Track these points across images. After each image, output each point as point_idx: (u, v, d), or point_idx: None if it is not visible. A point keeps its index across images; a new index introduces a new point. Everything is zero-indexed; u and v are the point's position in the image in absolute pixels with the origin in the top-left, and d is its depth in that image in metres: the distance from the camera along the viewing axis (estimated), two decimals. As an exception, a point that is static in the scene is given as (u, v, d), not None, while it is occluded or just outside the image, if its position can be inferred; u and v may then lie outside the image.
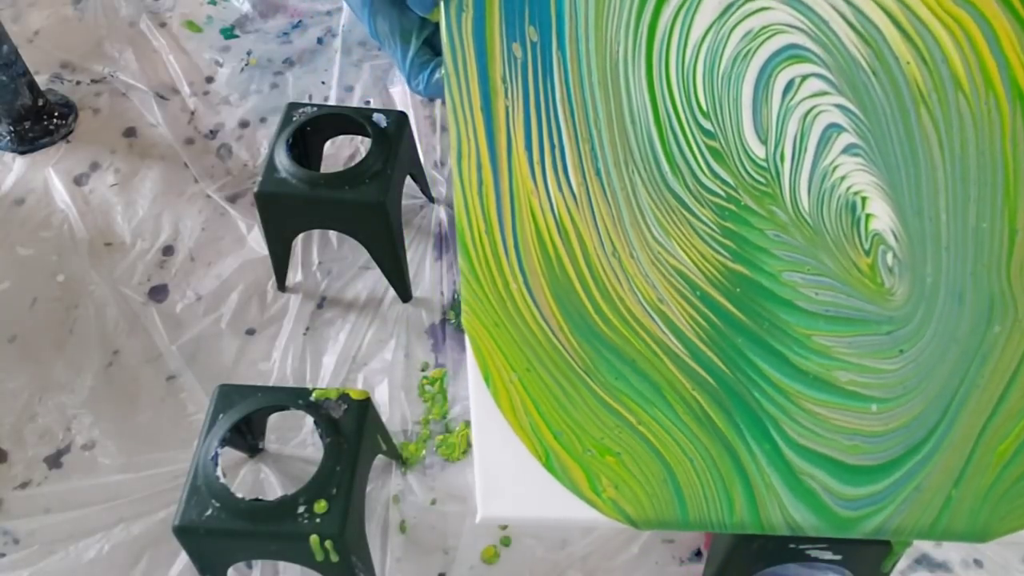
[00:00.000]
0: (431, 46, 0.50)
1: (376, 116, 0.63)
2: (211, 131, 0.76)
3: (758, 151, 0.41)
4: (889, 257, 0.39)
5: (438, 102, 0.79)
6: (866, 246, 0.40)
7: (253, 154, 0.75)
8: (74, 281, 0.66)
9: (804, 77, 0.40)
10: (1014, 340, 0.37)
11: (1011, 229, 0.38)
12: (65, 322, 0.64)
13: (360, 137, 0.71)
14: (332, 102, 0.79)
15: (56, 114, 0.75)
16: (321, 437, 0.47)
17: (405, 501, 0.56)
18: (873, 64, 0.39)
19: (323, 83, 0.81)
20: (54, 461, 0.57)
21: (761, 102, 0.41)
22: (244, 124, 0.77)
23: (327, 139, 0.68)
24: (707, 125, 0.41)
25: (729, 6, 0.41)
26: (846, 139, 0.40)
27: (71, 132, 0.75)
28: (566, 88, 0.43)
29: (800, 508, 0.41)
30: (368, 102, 0.79)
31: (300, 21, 0.86)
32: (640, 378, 0.42)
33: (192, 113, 0.78)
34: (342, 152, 0.75)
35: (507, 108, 0.43)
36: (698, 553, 0.54)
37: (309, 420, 0.57)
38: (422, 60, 0.51)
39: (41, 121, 0.74)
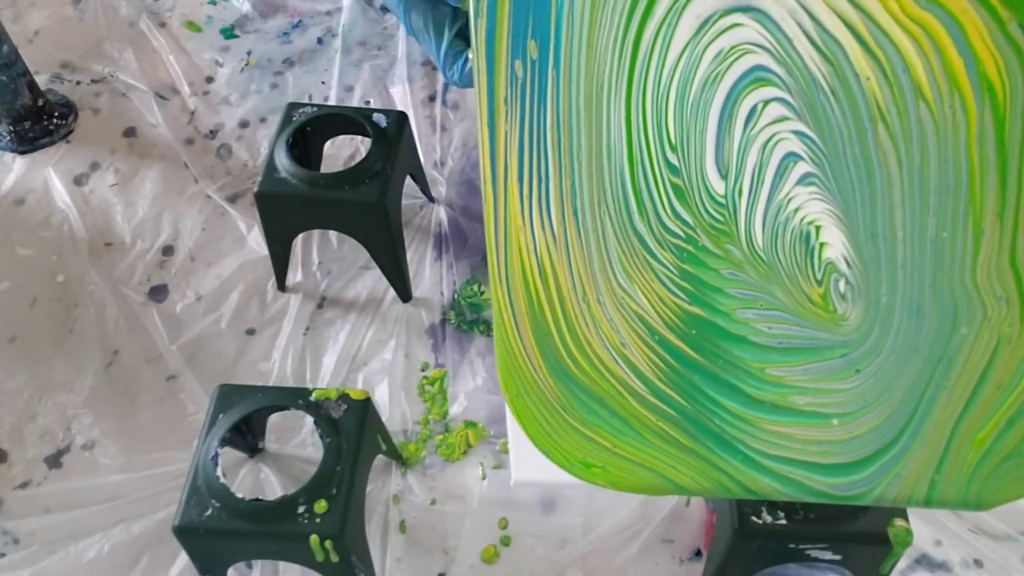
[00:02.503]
0: (463, 37, 0.51)
1: (376, 116, 0.63)
2: (211, 131, 0.76)
3: (718, 187, 0.42)
4: (842, 284, 0.40)
5: (438, 102, 0.79)
6: (818, 276, 0.40)
7: (253, 154, 0.75)
8: (74, 281, 0.66)
9: (766, 102, 0.40)
10: (983, 338, 0.38)
11: (976, 232, 0.37)
12: (65, 322, 0.64)
13: (360, 137, 0.71)
14: (332, 102, 0.79)
15: (56, 114, 0.75)
16: (321, 437, 0.47)
17: (405, 501, 0.56)
18: (833, 83, 0.39)
19: (323, 83, 0.81)
20: (54, 461, 0.57)
21: (725, 133, 0.42)
22: (244, 124, 0.77)
23: (327, 139, 0.68)
24: (674, 160, 0.42)
25: (704, 22, 0.41)
26: (802, 168, 0.40)
27: (71, 132, 0.75)
28: (556, 113, 0.44)
29: (791, 491, 0.43)
30: (368, 102, 0.79)
31: (300, 21, 0.86)
32: (610, 413, 0.44)
33: (192, 113, 0.78)
34: (342, 152, 0.75)
35: (506, 133, 0.44)
36: (698, 553, 0.54)
37: (309, 420, 0.57)
38: (456, 51, 0.52)
39: (41, 121, 0.74)
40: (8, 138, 0.74)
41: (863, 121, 0.39)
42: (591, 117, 0.44)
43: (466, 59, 0.52)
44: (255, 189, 0.60)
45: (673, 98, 0.42)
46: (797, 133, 0.40)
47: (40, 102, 0.74)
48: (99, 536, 0.54)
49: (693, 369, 0.43)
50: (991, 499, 0.38)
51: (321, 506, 0.44)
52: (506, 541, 0.54)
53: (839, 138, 0.39)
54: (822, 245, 0.40)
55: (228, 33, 0.84)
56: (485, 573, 0.53)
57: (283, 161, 0.60)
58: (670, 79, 0.42)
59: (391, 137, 0.61)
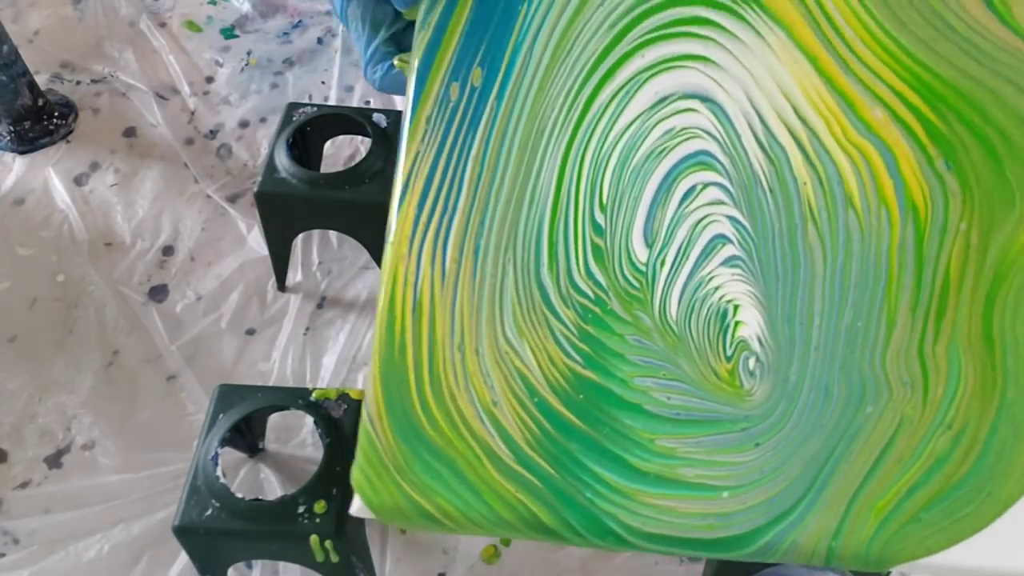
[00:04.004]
0: (397, 42, 0.49)
1: (376, 116, 0.63)
2: (211, 131, 0.76)
3: (641, 254, 0.42)
4: (751, 362, 0.40)
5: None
6: (729, 352, 0.40)
7: (253, 154, 0.75)
8: (74, 281, 0.66)
9: (706, 185, 0.42)
10: (887, 417, 0.38)
11: (889, 323, 0.40)
12: (65, 322, 0.64)
13: (360, 137, 0.71)
14: (332, 102, 0.79)
15: (56, 114, 0.75)
16: (321, 437, 0.47)
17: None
18: (772, 183, 0.42)
19: (323, 83, 0.81)
20: (54, 461, 0.57)
21: (659, 204, 0.42)
22: (244, 124, 0.77)
23: (327, 139, 0.68)
24: (600, 220, 0.42)
25: (662, 99, 0.43)
26: (729, 251, 0.41)
27: (71, 132, 0.75)
28: (485, 145, 0.43)
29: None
30: (368, 102, 0.79)
31: (300, 21, 0.86)
32: (458, 480, 0.40)
33: (192, 113, 0.78)
34: (342, 152, 0.75)
35: (418, 153, 0.43)
36: (698, 553, 0.54)
37: (309, 420, 0.57)
38: (385, 51, 0.50)
39: (41, 121, 0.74)
40: (8, 138, 0.74)
41: (795, 218, 0.41)
42: (523, 159, 0.43)
43: (390, 66, 0.51)
44: (255, 189, 0.60)
45: (614, 161, 0.43)
46: (730, 218, 0.42)
47: (40, 102, 0.74)
48: (99, 536, 0.54)
49: (571, 436, 0.40)
50: (891, 559, 0.37)
51: (321, 506, 0.44)
52: (506, 541, 0.54)
53: (770, 230, 0.41)
54: (737, 323, 0.41)
55: (228, 33, 0.84)
56: (485, 573, 0.53)
57: (283, 161, 0.60)
58: (616, 142, 0.43)
59: (391, 137, 0.61)
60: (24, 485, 0.56)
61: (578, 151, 0.43)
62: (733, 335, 0.40)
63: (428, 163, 0.43)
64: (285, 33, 0.85)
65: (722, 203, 0.42)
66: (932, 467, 0.37)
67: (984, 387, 0.38)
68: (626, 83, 0.44)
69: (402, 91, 0.45)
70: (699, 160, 0.43)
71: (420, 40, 0.45)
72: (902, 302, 0.40)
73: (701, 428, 0.40)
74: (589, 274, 0.42)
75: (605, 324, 0.41)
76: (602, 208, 0.42)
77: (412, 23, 0.46)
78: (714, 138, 0.43)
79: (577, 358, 0.41)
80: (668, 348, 0.41)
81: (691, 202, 0.42)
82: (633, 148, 0.43)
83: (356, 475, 0.40)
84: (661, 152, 0.43)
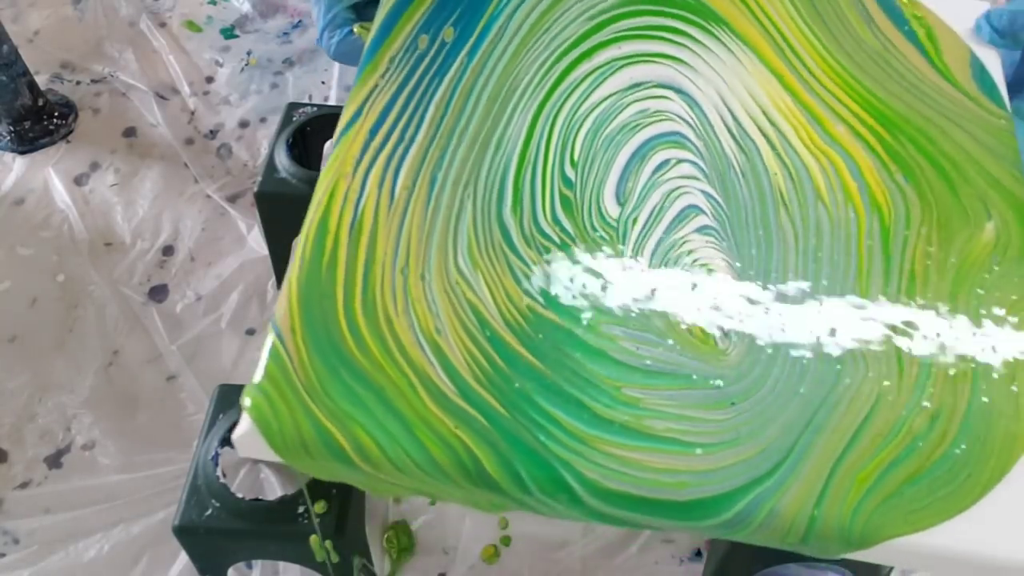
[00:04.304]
0: (358, 12, 0.49)
1: (376, 116, 0.63)
2: (211, 131, 0.76)
3: (612, 211, 0.41)
4: (726, 323, 0.39)
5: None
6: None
7: (253, 154, 0.75)
8: (74, 281, 0.66)
9: (680, 161, 0.43)
10: (864, 391, 0.37)
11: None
12: (65, 322, 0.64)
13: (360, 137, 0.71)
14: (332, 102, 0.79)
15: (56, 114, 0.75)
16: (321, 437, 0.47)
17: (405, 501, 0.56)
18: (744, 168, 0.43)
19: (323, 83, 0.81)
20: (54, 461, 0.57)
21: (632, 170, 0.43)
22: (244, 124, 0.77)
23: (327, 139, 0.67)
24: (570, 174, 0.42)
25: (637, 84, 0.45)
26: (703, 220, 0.41)
27: (71, 132, 0.75)
28: (451, 91, 0.44)
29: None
30: (368, 102, 0.79)
31: (300, 21, 0.86)
32: (384, 409, 0.35)
33: (192, 113, 0.78)
34: (342, 152, 0.75)
35: (376, 86, 0.43)
36: (698, 553, 0.54)
37: (309, 420, 0.57)
38: (343, 20, 0.49)
39: (41, 121, 0.74)
40: (8, 138, 0.74)
41: (767, 202, 0.42)
42: (491, 110, 0.43)
43: (349, 32, 0.51)
44: (255, 189, 0.60)
45: (587, 126, 0.44)
46: (704, 192, 0.42)
47: (40, 102, 0.74)
48: (99, 536, 0.54)
49: (526, 375, 0.36)
50: (873, 536, 0.35)
51: (321, 506, 0.44)
52: (506, 541, 0.54)
53: (743, 207, 0.42)
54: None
55: (228, 33, 0.84)
56: (485, 573, 0.53)
57: (283, 161, 0.60)
58: (589, 111, 0.44)
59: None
60: (24, 485, 0.56)
61: (550, 113, 0.44)
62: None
63: (387, 96, 0.43)
64: (285, 33, 0.85)
65: (696, 179, 0.43)
66: (911, 444, 0.36)
67: (956, 372, 0.38)
68: (602, 66, 0.45)
69: (356, 60, 0.45)
70: (673, 139, 0.43)
71: None
72: (872, 287, 0.40)
73: (673, 380, 0.37)
74: (556, 220, 0.40)
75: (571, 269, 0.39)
76: (573, 164, 0.42)
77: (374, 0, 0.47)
78: (688, 123, 0.44)
79: (538, 298, 0.38)
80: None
81: (665, 173, 0.43)
82: (607, 119, 0.44)
83: (252, 395, 0.34)
84: (635, 127, 0.44)
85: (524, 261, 0.39)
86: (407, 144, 0.42)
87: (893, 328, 0.39)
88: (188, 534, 0.44)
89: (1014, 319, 0.39)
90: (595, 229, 0.40)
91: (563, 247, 0.40)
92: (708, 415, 0.36)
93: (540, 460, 0.34)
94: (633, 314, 0.38)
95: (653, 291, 0.39)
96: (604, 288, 0.39)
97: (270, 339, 0.36)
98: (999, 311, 0.40)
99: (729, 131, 0.44)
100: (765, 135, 0.44)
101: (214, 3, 0.87)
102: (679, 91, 0.45)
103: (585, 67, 0.45)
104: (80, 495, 0.56)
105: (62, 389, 0.60)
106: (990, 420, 0.37)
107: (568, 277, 0.39)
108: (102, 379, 0.61)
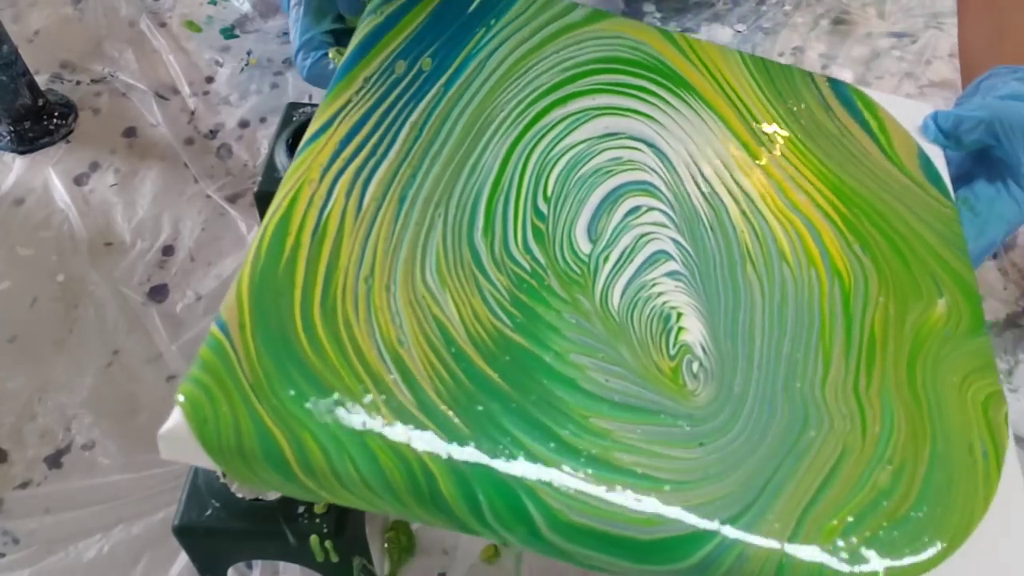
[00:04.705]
0: (335, 37, 0.49)
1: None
2: (211, 131, 0.76)
3: (584, 247, 0.41)
4: (695, 365, 0.39)
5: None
6: (672, 352, 0.39)
7: (253, 154, 0.75)
8: (74, 281, 0.66)
9: (650, 208, 0.43)
10: (830, 443, 0.37)
11: (825, 362, 0.40)
12: (65, 322, 0.64)
13: (360, 137, 0.71)
14: (332, 102, 0.79)
15: (56, 114, 0.75)
16: (321, 437, 0.47)
17: (405, 501, 0.56)
18: (712, 222, 0.44)
19: (323, 83, 0.81)
20: (54, 461, 0.57)
21: (604, 211, 0.43)
22: (244, 124, 0.77)
23: (327, 139, 0.67)
24: (543, 208, 0.42)
25: (611, 134, 0.46)
26: (672, 266, 0.42)
27: (71, 132, 0.75)
28: (426, 115, 0.44)
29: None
30: (368, 102, 0.79)
31: (300, 21, 0.86)
32: (331, 417, 0.32)
33: (192, 113, 0.78)
34: (342, 152, 0.75)
35: (350, 101, 0.43)
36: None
37: (309, 420, 0.57)
38: (321, 40, 0.49)
39: (41, 121, 0.74)
40: (8, 138, 0.74)
41: (735, 255, 0.43)
42: (466, 138, 0.43)
43: (323, 55, 0.51)
44: (255, 189, 0.60)
45: (561, 166, 0.44)
46: (674, 240, 0.43)
47: (40, 102, 0.74)
48: (99, 536, 0.54)
49: (491, 396, 0.34)
50: None
51: (321, 506, 0.44)
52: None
53: (712, 259, 0.42)
54: (680, 329, 0.40)
55: (228, 33, 0.84)
56: (485, 573, 0.53)
57: (283, 161, 0.60)
58: (563, 153, 0.45)
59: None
60: (24, 485, 0.56)
61: (524, 150, 0.44)
62: (676, 338, 0.39)
63: (360, 112, 0.43)
64: (285, 33, 0.85)
65: (666, 227, 0.43)
66: (877, 498, 0.36)
67: (916, 434, 0.38)
68: (576, 113, 0.46)
69: (327, 84, 0.45)
70: (644, 188, 0.44)
71: (368, 23, 0.46)
72: (835, 347, 0.41)
73: (641, 415, 0.36)
74: (527, 249, 0.40)
75: (541, 297, 0.39)
76: (546, 199, 0.42)
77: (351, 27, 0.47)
78: (659, 175, 0.45)
79: (506, 320, 0.37)
80: (608, 334, 0.38)
81: (636, 217, 0.43)
82: (580, 162, 0.44)
83: (187, 389, 0.32)
84: (608, 172, 0.44)
85: (494, 285, 0.38)
86: (378, 160, 0.41)
87: (855, 389, 0.39)
88: (188, 534, 0.44)
89: (969, 391, 0.41)
90: (566, 262, 0.40)
91: (534, 276, 0.39)
92: (677, 452, 0.35)
93: (501, 484, 0.32)
94: (602, 347, 0.38)
95: (623, 327, 0.39)
96: (574, 319, 0.38)
97: (213, 333, 0.34)
98: (954, 379, 0.41)
99: (698, 187, 0.45)
100: (732, 195, 0.45)
101: (214, 3, 0.87)
102: (651, 145, 0.46)
103: (560, 112, 0.46)
104: (80, 495, 0.56)
105: (62, 389, 0.60)
106: (950, 481, 0.37)
107: (538, 304, 0.38)
108: (102, 379, 0.61)
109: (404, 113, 0.43)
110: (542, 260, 0.40)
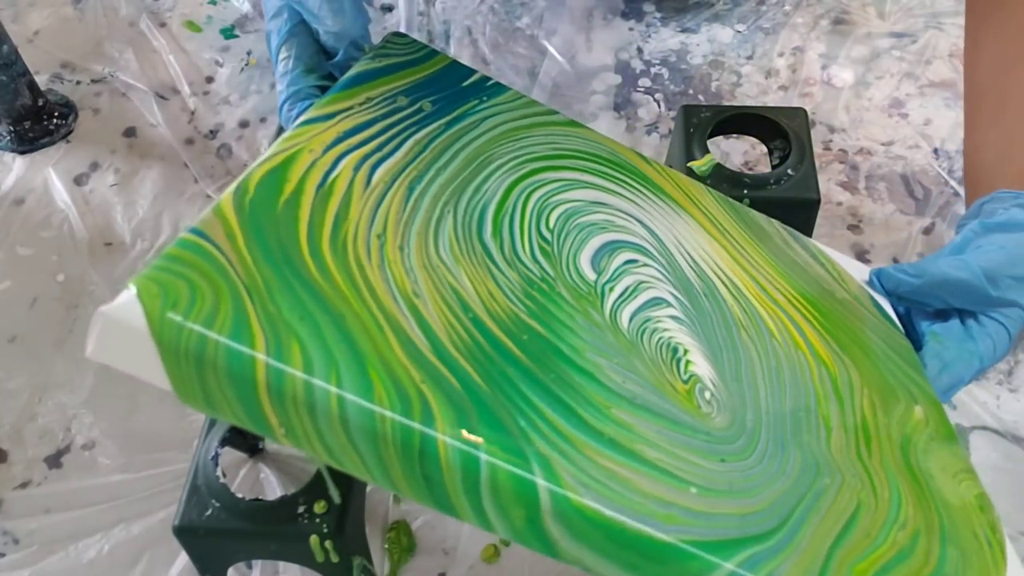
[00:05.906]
0: (322, 91, 0.49)
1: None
2: (211, 131, 0.76)
3: (589, 275, 0.40)
4: (707, 394, 0.37)
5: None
6: (684, 378, 0.37)
7: (253, 154, 0.75)
8: (74, 281, 0.66)
9: (647, 264, 0.43)
10: (845, 494, 0.36)
11: (827, 428, 0.39)
12: (65, 322, 0.64)
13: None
14: (332, 102, 0.79)
15: (56, 114, 0.75)
16: (321, 437, 0.47)
17: (405, 501, 0.56)
18: (705, 291, 0.43)
19: (323, 83, 0.81)
20: (54, 461, 0.57)
21: (604, 253, 0.42)
22: (244, 124, 0.77)
23: (327, 139, 0.67)
24: (547, 235, 0.41)
25: (602, 204, 0.45)
26: (673, 311, 0.41)
27: (71, 132, 0.75)
28: (430, 139, 0.43)
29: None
30: (368, 102, 0.79)
31: (300, 21, 0.86)
32: (341, 337, 0.28)
33: (192, 113, 0.78)
34: (342, 152, 0.75)
35: (351, 107, 0.43)
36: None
37: (309, 420, 0.57)
38: (307, 93, 0.49)
39: (41, 121, 0.74)
40: (8, 138, 0.74)
41: (728, 321, 0.43)
42: (469, 164, 0.43)
43: (310, 107, 0.51)
44: (255, 189, 0.59)
45: (559, 212, 0.44)
46: (671, 293, 0.42)
47: (40, 102, 0.74)
48: (99, 536, 0.54)
49: (511, 363, 0.31)
50: None
51: (321, 506, 0.44)
52: (506, 541, 0.54)
53: (708, 317, 0.42)
54: (688, 362, 0.38)
55: (228, 33, 0.84)
56: (485, 573, 0.53)
57: (283, 161, 0.60)
58: (559, 204, 0.44)
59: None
60: (24, 485, 0.56)
61: (523, 191, 0.43)
62: (686, 368, 0.38)
63: (363, 118, 0.42)
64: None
65: (663, 281, 0.43)
66: (899, 555, 0.34)
67: (923, 508, 0.37)
68: (569, 180, 0.46)
69: None
70: (639, 248, 0.44)
71: (366, 64, 0.46)
72: (832, 418, 0.40)
73: (661, 420, 0.34)
74: (536, 260, 0.39)
75: (553, 298, 0.37)
76: (549, 230, 0.42)
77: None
78: (652, 245, 0.44)
79: (522, 307, 0.35)
80: (621, 347, 0.37)
81: (635, 267, 0.42)
82: (576, 214, 0.44)
83: (146, 279, 0.28)
84: (604, 228, 0.44)
85: (507, 277, 0.36)
86: (385, 155, 0.40)
87: (859, 456, 0.39)
88: (188, 534, 0.44)
89: (960, 485, 0.40)
90: (574, 280, 0.39)
91: (544, 281, 0.38)
92: (700, 460, 0.33)
93: (512, 448, 0.28)
94: (616, 355, 0.36)
95: (634, 344, 0.37)
96: (587, 326, 0.36)
97: (186, 238, 0.30)
98: (945, 472, 0.40)
99: (687, 262, 0.45)
100: (719, 277, 0.45)
101: (214, 3, 0.87)
102: (639, 221, 0.45)
103: (552, 175, 0.45)
104: (80, 495, 0.56)
105: (62, 389, 0.60)
106: (964, 556, 0.36)
107: (551, 303, 0.37)
108: (102, 379, 0.61)
109: (408, 131, 0.43)
110: (551, 272, 0.39)
